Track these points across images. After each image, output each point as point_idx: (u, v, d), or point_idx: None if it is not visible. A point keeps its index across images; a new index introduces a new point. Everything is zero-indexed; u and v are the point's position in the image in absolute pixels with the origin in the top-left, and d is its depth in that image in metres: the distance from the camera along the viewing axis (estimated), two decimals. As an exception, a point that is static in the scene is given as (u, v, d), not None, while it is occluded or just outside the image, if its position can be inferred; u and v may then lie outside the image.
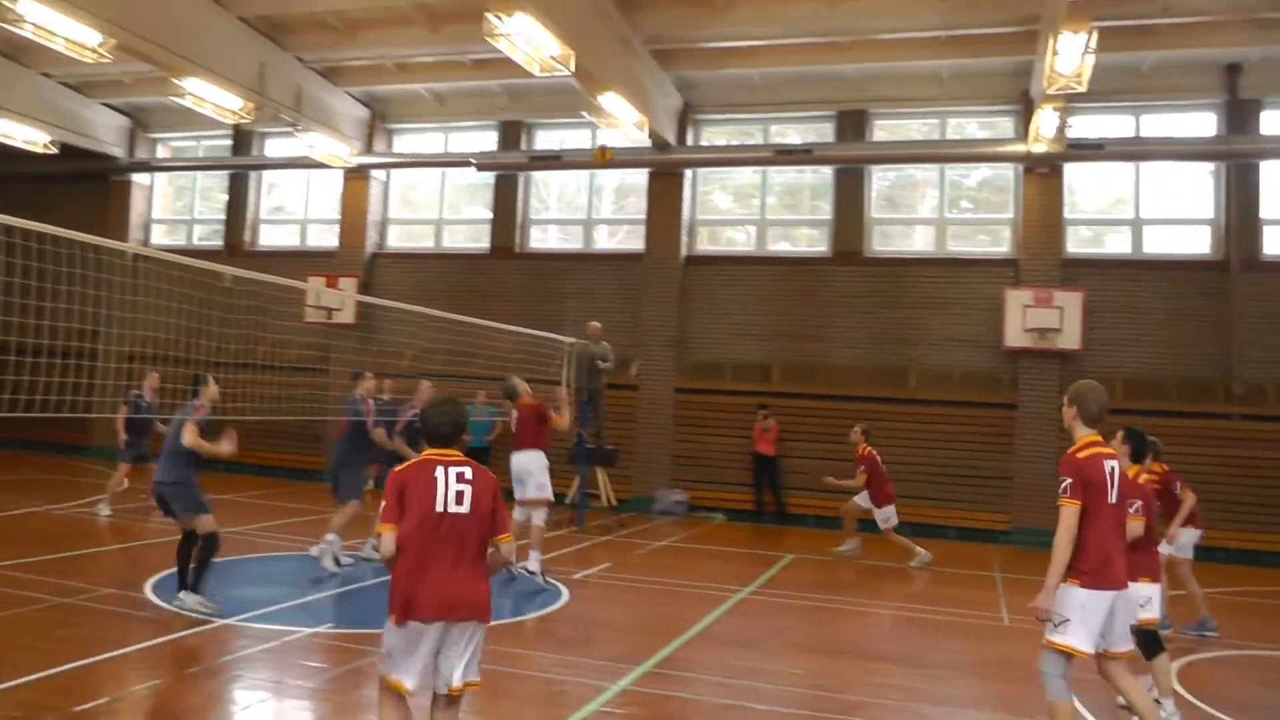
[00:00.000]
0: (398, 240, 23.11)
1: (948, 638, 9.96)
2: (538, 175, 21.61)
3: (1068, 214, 18.33)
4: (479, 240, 22.06)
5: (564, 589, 10.88)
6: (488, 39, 13.66)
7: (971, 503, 17.79)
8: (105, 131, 24.08)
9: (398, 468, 5.21)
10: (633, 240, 20.92)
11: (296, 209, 24.36)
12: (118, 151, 24.44)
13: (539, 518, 10.94)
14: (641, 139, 18.52)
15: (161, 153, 25.45)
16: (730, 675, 7.96)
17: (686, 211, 20.18)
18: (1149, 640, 7.08)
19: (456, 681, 4.96)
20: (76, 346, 13.30)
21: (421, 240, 22.94)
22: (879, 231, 19.56)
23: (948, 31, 16.87)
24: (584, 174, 21.32)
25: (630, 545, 14.56)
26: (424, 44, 18.87)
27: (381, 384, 13.06)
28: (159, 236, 25.63)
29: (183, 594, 8.98)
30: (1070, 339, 17.38)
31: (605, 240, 21.56)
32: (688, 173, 20.16)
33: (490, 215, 21.81)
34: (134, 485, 14.96)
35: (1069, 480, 5.58)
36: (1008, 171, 18.91)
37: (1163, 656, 7.26)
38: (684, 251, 20.07)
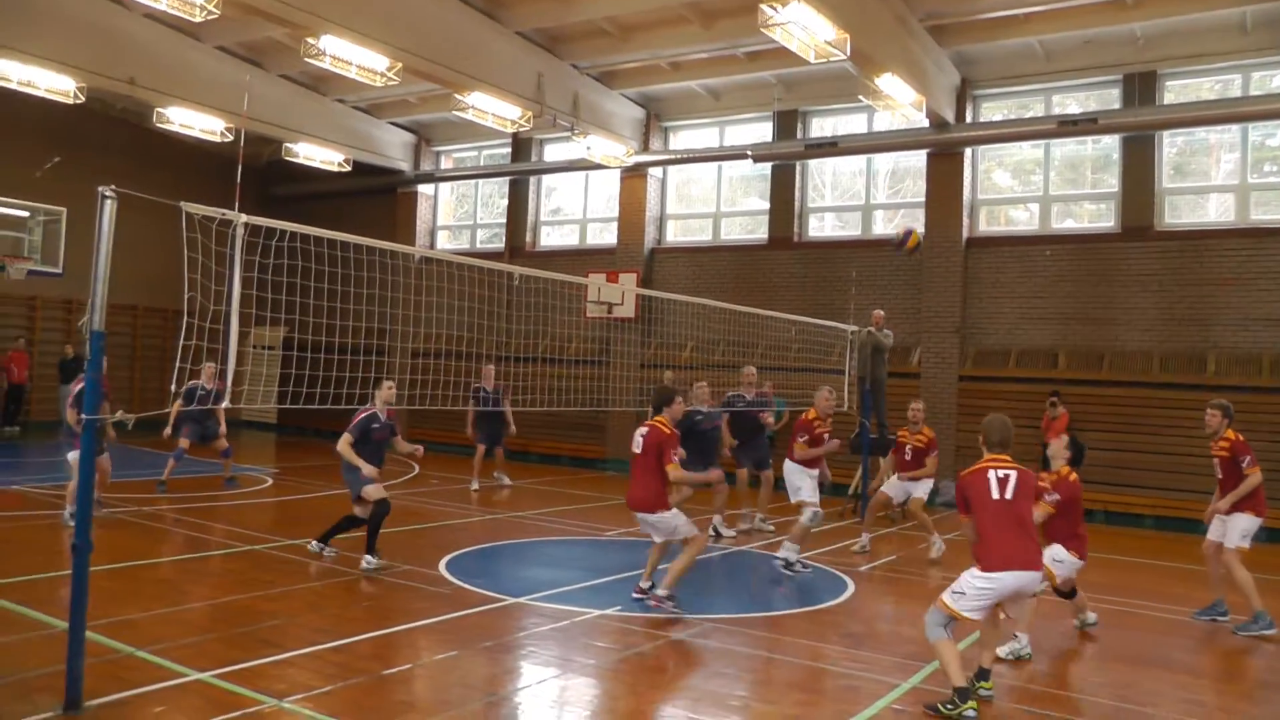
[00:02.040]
0: (676, 235, 23.34)
1: (1267, 656, 8.85)
2: (813, 163, 21.30)
3: (1399, 172, 16.30)
4: (757, 231, 21.98)
5: (849, 581, 10.70)
6: (762, 30, 13.47)
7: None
8: (392, 148, 25.78)
9: None
10: (911, 224, 20.17)
11: (575, 210, 25.05)
12: (404, 165, 26.07)
13: (807, 517, 11.25)
14: (919, 119, 17.98)
15: (444, 164, 26.91)
16: (1027, 680, 7.54)
17: (967, 192, 19.33)
18: None
19: (659, 539, 9.04)
20: (375, 344, 14.12)
21: (699, 234, 23.05)
22: (1169, 203, 18.01)
23: (1253, -28, 15.27)
24: (860, 159, 20.87)
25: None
26: (697, 41, 18.95)
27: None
28: (443, 242, 27.13)
29: (367, 557, 10.11)
30: (1406, 314, 15.47)
31: (883, 225, 20.91)
32: (967, 151, 19.28)
33: (767, 206, 21.70)
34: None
35: (957, 499, 7.14)
36: (1322, 126, 16.92)
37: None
38: (965, 233, 19.26)
